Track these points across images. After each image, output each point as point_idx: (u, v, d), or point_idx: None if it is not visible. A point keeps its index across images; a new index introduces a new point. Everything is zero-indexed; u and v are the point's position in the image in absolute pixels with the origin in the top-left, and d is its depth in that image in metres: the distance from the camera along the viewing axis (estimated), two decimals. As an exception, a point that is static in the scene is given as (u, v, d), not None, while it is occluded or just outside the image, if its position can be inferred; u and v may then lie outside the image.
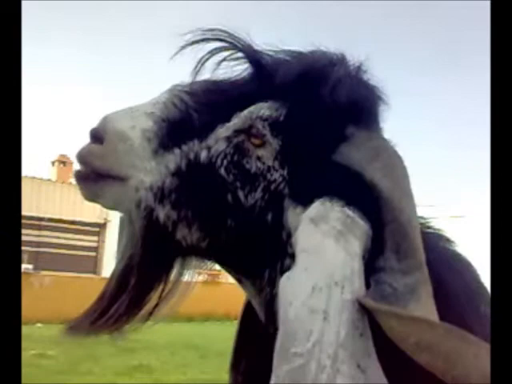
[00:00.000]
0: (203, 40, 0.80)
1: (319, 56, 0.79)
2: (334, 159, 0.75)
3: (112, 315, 0.78)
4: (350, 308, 0.64)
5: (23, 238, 14.63)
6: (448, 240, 0.84)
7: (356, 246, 0.69)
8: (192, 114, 0.77)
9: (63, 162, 18.43)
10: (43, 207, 15.37)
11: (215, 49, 0.81)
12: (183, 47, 0.81)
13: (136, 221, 0.76)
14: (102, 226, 16.10)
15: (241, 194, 0.77)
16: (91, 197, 0.81)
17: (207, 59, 0.81)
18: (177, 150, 0.77)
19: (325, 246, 0.69)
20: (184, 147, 0.77)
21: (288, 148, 0.77)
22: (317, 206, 0.72)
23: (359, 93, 0.77)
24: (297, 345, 0.62)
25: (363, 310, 0.65)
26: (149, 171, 0.76)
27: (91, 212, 16.20)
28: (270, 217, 0.76)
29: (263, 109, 0.77)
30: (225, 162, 0.77)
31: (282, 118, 0.77)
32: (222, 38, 0.80)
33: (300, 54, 0.80)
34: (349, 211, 0.71)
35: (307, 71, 0.77)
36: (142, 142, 0.76)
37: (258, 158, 0.77)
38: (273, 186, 0.77)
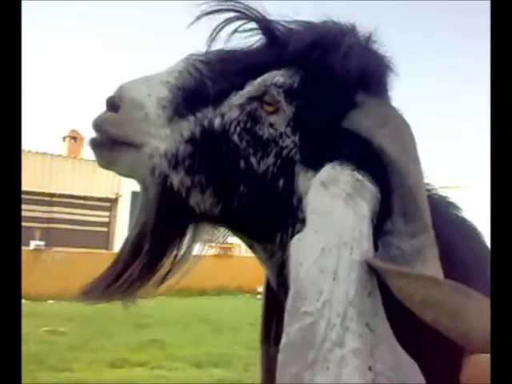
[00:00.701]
0: (218, 10, 0.83)
1: (330, 26, 0.82)
2: (344, 125, 0.78)
3: (126, 280, 0.80)
4: (358, 268, 0.67)
5: (34, 214, 14.79)
6: (455, 206, 0.87)
7: (365, 208, 0.71)
8: (206, 83, 0.80)
9: (74, 137, 18.50)
10: (54, 183, 15.41)
11: (229, 18, 0.83)
12: (198, 17, 0.83)
13: (150, 187, 0.79)
14: (114, 201, 16.11)
15: (253, 160, 0.79)
16: (107, 164, 0.83)
17: (222, 28, 0.84)
18: (191, 118, 0.79)
19: (334, 208, 0.72)
20: (198, 115, 0.79)
21: (300, 114, 0.80)
22: (327, 170, 0.75)
23: (369, 61, 0.80)
24: (307, 304, 0.64)
25: (372, 270, 0.67)
26: (163, 138, 0.78)
27: (102, 187, 16.17)
28: (281, 182, 0.79)
29: (277, 76, 0.80)
30: (238, 128, 0.79)
31: (295, 85, 0.80)
32: (236, 8, 0.83)
33: (311, 24, 0.83)
34: (358, 175, 0.74)
35: (319, 40, 0.80)
36: (157, 110, 0.78)
37: (271, 125, 0.80)
38: (284, 152, 0.79)
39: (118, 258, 0.82)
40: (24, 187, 14.67)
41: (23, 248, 13.63)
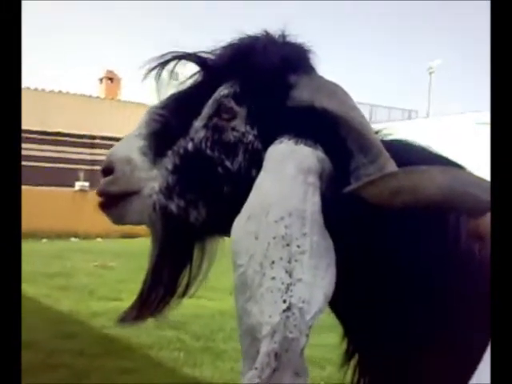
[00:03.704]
0: (163, 64, 1.06)
1: (245, 38, 1.04)
2: (288, 104, 0.97)
3: (153, 302, 1.03)
4: (273, 227, 0.85)
5: (78, 156, 15.30)
6: (423, 147, 1.04)
7: (291, 170, 0.88)
8: (170, 121, 1.00)
9: (111, 78, 18.65)
10: (94, 125, 15.80)
11: (165, 61, 1.06)
12: (145, 76, 1.07)
13: (156, 222, 0.99)
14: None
15: (228, 163, 0.99)
16: (119, 220, 1.02)
17: (161, 72, 1.06)
18: (169, 152, 0.99)
19: (261, 181, 0.90)
20: (174, 147, 0.99)
21: (251, 110, 0.99)
22: (270, 148, 0.93)
23: (287, 50, 1.02)
24: (239, 258, 0.86)
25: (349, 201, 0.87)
26: (154, 178, 0.98)
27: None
28: (254, 172, 0.96)
29: (221, 91, 1.00)
30: (208, 143, 0.99)
31: (238, 90, 0.99)
32: (174, 56, 1.06)
33: (231, 43, 1.04)
34: (293, 143, 0.91)
35: (239, 50, 1.02)
36: (140, 158, 0.98)
37: (233, 129, 0.99)
38: (250, 147, 0.98)
39: (143, 287, 1.03)
40: (65, 129, 15.19)
41: (69, 189, 14.37)
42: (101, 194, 1.01)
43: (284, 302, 0.81)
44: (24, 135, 14.55)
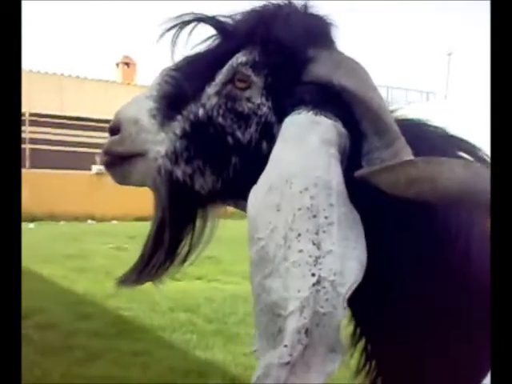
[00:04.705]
0: (176, 26, 1.01)
1: (268, 5, 0.99)
2: (304, 79, 0.93)
3: (153, 266, 1.01)
4: (298, 197, 0.80)
5: (95, 140, 15.41)
6: (438, 127, 1.00)
7: (315, 141, 0.84)
8: (183, 85, 0.96)
9: (127, 63, 18.75)
10: (111, 110, 15.83)
11: (183, 23, 1.00)
12: (161, 35, 1.01)
13: (160, 187, 0.96)
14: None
15: (239, 133, 0.95)
16: (122, 180, 1.00)
17: (178, 34, 1.01)
18: (179, 117, 0.95)
19: (281, 151, 0.86)
20: (184, 112, 0.95)
21: (268, 82, 0.95)
22: (287, 119, 0.89)
23: (309, 21, 0.97)
24: (259, 232, 0.82)
25: (361, 183, 0.83)
26: (161, 141, 0.95)
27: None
28: (264, 145, 0.94)
29: (240, 57, 0.96)
30: (220, 111, 0.95)
31: (257, 59, 0.95)
32: (190, 18, 1.01)
33: (253, 9, 1.00)
34: (313, 115, 0.87)
35: (260, 18, 0.97)
36: (149, 120, 0.95)
37: (248, 100, 0.95)
38: (263, 119, 0.95)
39: (144, 251, 1.01)
40: (83, 114, 15.26)
41: (86, 172, 14.48)
42: (106, 152, 0.99)
43: (313, 275, 0.78)
44: (44, 120, 14.68)
